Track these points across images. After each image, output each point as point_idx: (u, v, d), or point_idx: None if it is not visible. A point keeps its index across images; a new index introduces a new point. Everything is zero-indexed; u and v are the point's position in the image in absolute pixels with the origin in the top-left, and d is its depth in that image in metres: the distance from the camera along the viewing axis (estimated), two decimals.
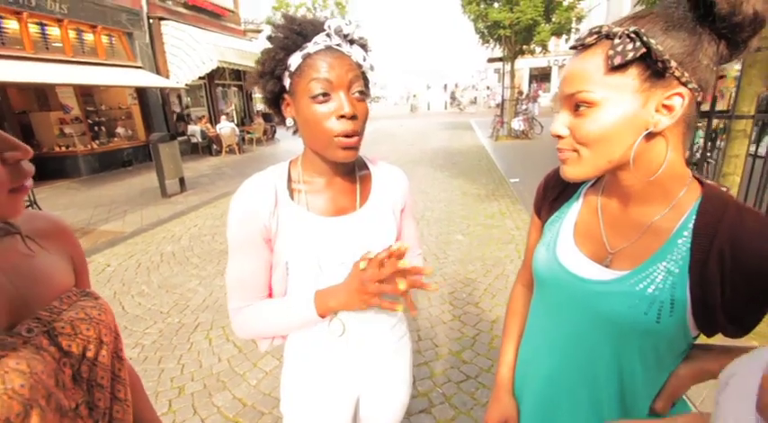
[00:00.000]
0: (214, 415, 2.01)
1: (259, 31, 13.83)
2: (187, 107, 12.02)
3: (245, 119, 14.47)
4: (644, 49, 0.51)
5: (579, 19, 11.25)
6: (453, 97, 34.97)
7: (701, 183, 0.61)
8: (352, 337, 0.87)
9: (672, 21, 0.53)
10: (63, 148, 8.62)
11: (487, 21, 10.30)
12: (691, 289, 0.55)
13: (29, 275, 0.53)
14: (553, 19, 10.65)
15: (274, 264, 0.83)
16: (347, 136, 0.72)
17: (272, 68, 0.74)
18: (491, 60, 18.59)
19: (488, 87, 36.67)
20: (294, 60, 0.72)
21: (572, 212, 0.72)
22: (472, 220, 4.73)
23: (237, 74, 13.72)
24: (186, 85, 10.47)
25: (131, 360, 2.45)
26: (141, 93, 10.09)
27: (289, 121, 0.78)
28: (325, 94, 0.71)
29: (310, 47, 0.71)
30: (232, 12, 13.50)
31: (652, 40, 0.51)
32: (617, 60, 0.52)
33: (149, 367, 2.39)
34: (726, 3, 0.50)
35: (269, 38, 0.75)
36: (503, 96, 13.08)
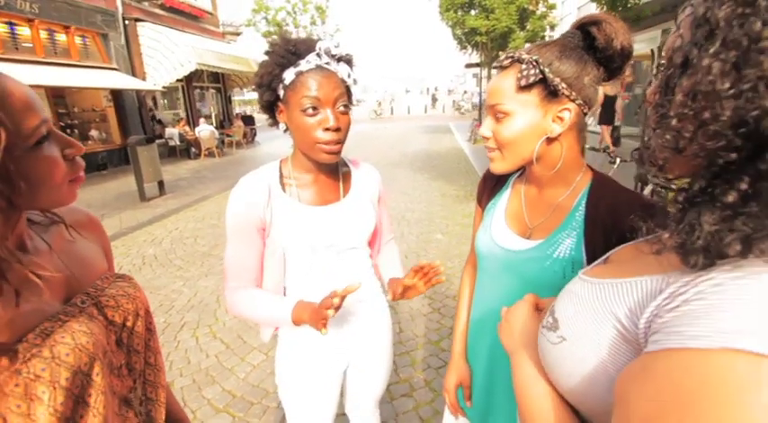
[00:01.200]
0: (204, 407, 2.09)
1: (238, 34, 13.75)
2: (164, 110, 11.83)
3: (224, 122, 14.33)
4: (540, 76, 0.69)
5: (552, 27, 11.75)
6: (435, 99, 35.52)
7: (592, 170, 0.81)
8: (339, 313, 1.01)
9: (566, 49, 0.72)
10: None
11: (464, 27, 10.64)
12: (585, 249, 0.73)
13: (75, 258, 0.64)
14: (527, 27, 11.09)
15: (270, 251, 0.96)
16: (331, 144, 0.87)
17: (268, 82, 0.87)
18: (468, 65, 19.10)
19: (465, 91, 37.40)
20: (288, 75, 0.85)
21: (503, 199, 0.90)
22: (451, 219, 4.92)
23: (216, 76, 13.59)
24: (163, 87, 10.33)
25: None
26: (117, 95, 9.88)
27: (281, 126, 0.92)
28: (314, 108, 0.84)
29: (303, 65, 0.84)
30: (210, 14, 13.39)
31: (547, 68, 0.69)
32: (522, 82, 0.70)
33: None
34: (602, 38, 0.70)
35: (267, 53, 0.89)
36: (480, 100, 13.43)
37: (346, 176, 1.04)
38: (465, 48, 11.82)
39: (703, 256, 0.35)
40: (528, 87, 0.70)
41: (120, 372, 0.62)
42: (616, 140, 8.24)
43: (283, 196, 0.94)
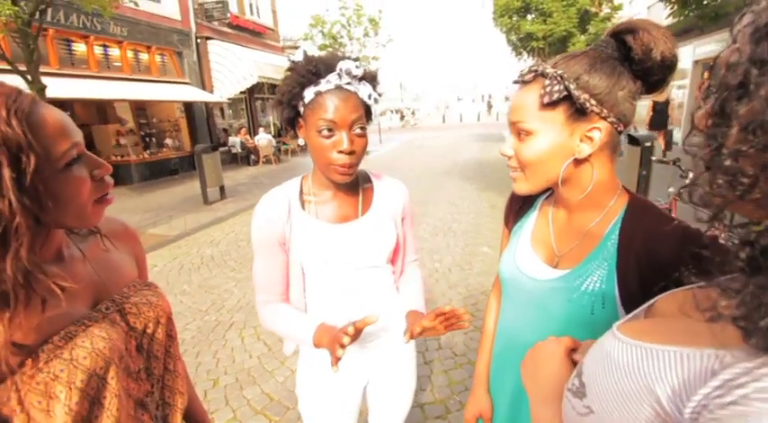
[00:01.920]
0: (244, 407, 2.16)
1: (296, 48, 14.46)
2: (229, 120, 12.75)
3: (281, 130, 15.12)
4: (565, 92, 0.61)
5: None
6: (490, 106, 34.80)
7: (628, 193, 0.71)
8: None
9: (597, 60, 0.63)
10: (118, 158, 9.39)
11: (520, 33, 10.30)
12: (618, 283, 0.64)
13: (107, 266, 0.68)
14: (589, 30, 10.47)
15: (291, 264, 0.97)
16: (344, 166, 0.85)
17: (288, 99, 0.88)
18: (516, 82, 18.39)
19: None
20: (308, 94, 0.85)
21: (530, 222, 0.82)
22: (500, 232, 4.67)
23: (275, 88, 14.39)
24: (228, 99, 11.15)
25: None
26: (188, 106, 10.84)
27: (301, 141, 0.93)
28: (329, 130, 0.84)
29: (322, 85, 0.84)
30: (272, 30, 14.27)
31: (574, 84, 0.62)
32: (545, 99, 0.63)
33: (188, 360, 2.60)
34: (640, 49, 0.61)
35: (289, 69, 0.89)
36: None
37: (367, 192, 1.01)
38: (520, 54, 11.43)
39: None
40: (552, 105, 0.63)
41: (138, 376, 0.65)
42: (667, 145, 7.73)
43: (302, 213, 0.94)
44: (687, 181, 3.51)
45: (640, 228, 0.65)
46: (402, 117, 31.42)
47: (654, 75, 0.64)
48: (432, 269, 3.77)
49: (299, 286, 0.98)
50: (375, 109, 0.93)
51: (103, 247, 0.68)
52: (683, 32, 8.90)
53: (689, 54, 9.41)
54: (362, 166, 1.07)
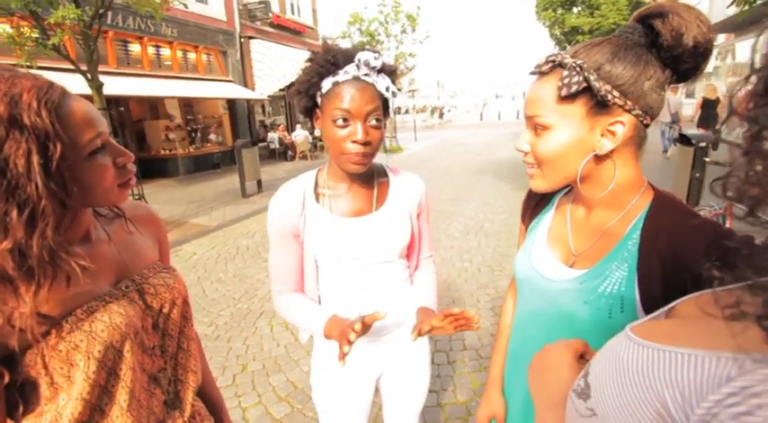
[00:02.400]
0: (269, 393, 2.23)
1: None
2: (270, 116, 13.19)
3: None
4: (585, 84, 0.57)
5: None
6: None
7: (653, 189, 0.65)
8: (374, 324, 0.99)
9: (621, 48, 0.58)
10: (167, 152, 9.99)
11: (564, 27, 9.84)
12: (639, 286, 0.59)
13: (130, 248, 0.72)
14: None
15: (305, 256, 0.98)
16: (358, 157, 0.85)
17: (306, 89, 0.88)
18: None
19: None
20: (326, 84, 0.85)
21: (547, 219, 0.78)
22: None
23: None
24: (268, 96, 11.52)
25: (206, 336, 2.82)
26: (231, 103, 11.32)
27: (317, 131, 0.93)
28: (344, 120, 0.83)
29: (340, 75, 0.84)
30: (312, 29, 14.57)
31: (594, 74, 0.57)
32: (564, 91, 0.58)
33: (220, 344, 2.72)
34: (669, 35, 0.55)
35: (309, 60, 0.89)
36: None
37: (383, 187, 1.00)
38: (564, 49, 10.93)
39: None
40: (571, 97, 0.59)
41: (152, 352, 0.68)
42: (714, 145, 7.21)
43: (316, 206, 0.95)
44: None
45: (665, 227, 0.59)
46: (441, 115, 31.19)
47: (685, 62, 0.58)
48: (461, 268, 3.70)
49: (313, 278, 0.99)
50: (392, 103, 0.91)
51: (128, 230, 0.73)
52: (749, 24, 8.14)
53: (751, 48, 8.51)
54: (393, 164, 1.06)
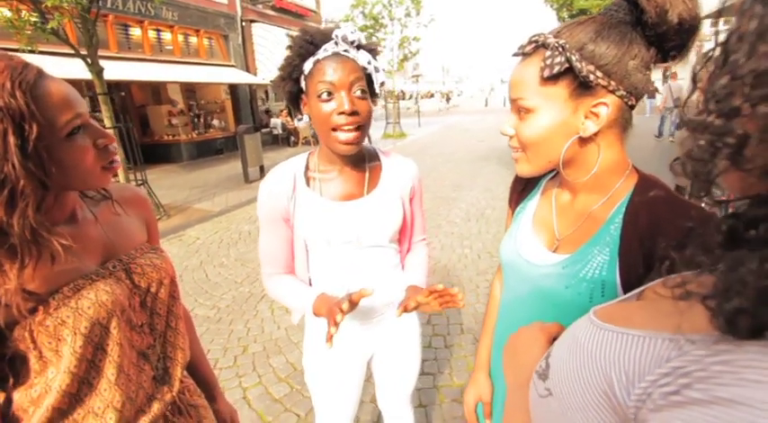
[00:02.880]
0: (269, 374, 2.29)
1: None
2: (273, 102, 13.10)
3: None
4: (567, 65, 0.55)
5: None
6: None
7: (638, 173, 0.64)
8: (361, 306, 0.99)
9: (605, 27, 0.57)
10: (170, 137, 10.00)
11: (572, 9, 9.58)
12: (620, 271, 0.59)
13: (116, 229, 0.73)
14: None
15: (295, 239, 0.98)
16: (347, 130, 0.83)
17: (289, 73, 0.87)
18: None
19: None
20: (307, 66, 0.85)
21: (532, 204, 0.77)
22: None
23: None
24: (271, 81, 11.40)
25: (209, 319, 2.87)
26: (233, 89, 11.24)
27: (306, 118, 0.92)
28: (329, 93, 0.82)
29: (320, 53, 0.83)
30: (314, 12, 14.30)
31: (577, 54, 0.55)
32: (546, 73, 0.57)
33: (222, 327, 2.78)
34: (653, 11, 0.53)
35: (288, 47, 0.89)
36: None
37: (375, 170, 0.99)
38: None
39: (742, 321, 0.24)
40: (553, 79, 0.57)
41: (141, 329, 0.70)
42: None
43: (306, 190, 0.94)
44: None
45: (646, 210, 0.59)
46: (448, 99, 31.13)
47: (670, 40, 0.56)
48: (461, 254, 3.72)
49: (303, 262, 0.99)
50: (376, 78, 0.90)
51: (115, 211, 0.73)
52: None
53: None
54: (395, 150, 1.05)
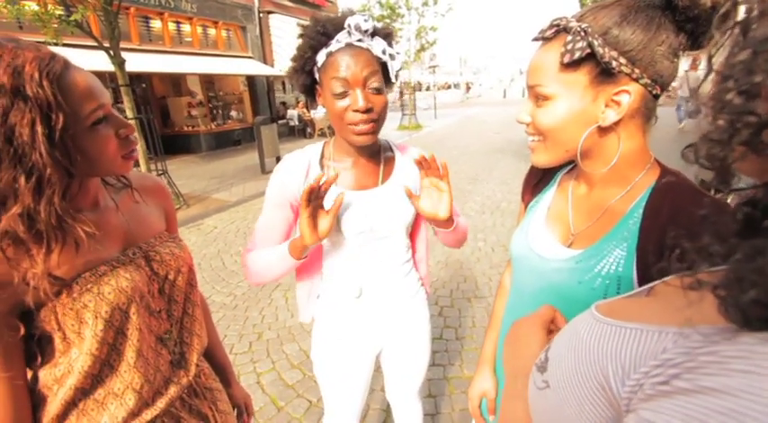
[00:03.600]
0: (282, 360, 2.34)
1: None
2: (290, 93, 13.17)
3: None
4: (588, 50, 0.53)
5: None
6: None
7: (660, 166, 0.61)
8: (368, 297, 1.01)
9: (632, 10, 0.54)
10: (189, 128, 10.19)
11: None
12: (637, 267, 0.57)
13: (137, 217, 0.75)
14: None
15: None
16: (362, 125, 0.83)
17: (302, 65, 0.86)
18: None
19: None
20: (320, 57, 0.84)
21: (547, 197, 0.75)
22: None
23: None
24: (286, 72, 11.45)
25: (225, 306, 2.95)
26: (251, 80, 11.34)
27: (322, 109, 0.92)
28: (343, 89, 0.81)
29: (333, 45, 0.82)
30: (331, 2, 14.23)
31: (599, 39, 0.53)
32: (566, 58, 0.54)
33: (238, 314, 2.85)
34: None
35: (300, 36, 0.87)
36: None
37: (389, 162, 0.99)
38: None
39: (756, 312, 0.23)
40: (574, 65, 0.55)
41: (159, 315, 0.73)
42: None
43: None
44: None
45: (668, 205, 0.56)
46: (468, 89, 31.18)
47: (702, 25, 0.53)
48: (474, 247, 3.70)
49: (318, 252, 1.00)
50: (392, 66, 0.88)
51: (135, 199, 0.76)
52: None
53: None
54: (411, 142, 1.04)
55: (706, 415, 0.21)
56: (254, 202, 5.68)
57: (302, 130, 12.14)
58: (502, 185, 5.75)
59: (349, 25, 0.81)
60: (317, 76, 0.87)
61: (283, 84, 12.78)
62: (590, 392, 0.31)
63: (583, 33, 0.54)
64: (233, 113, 11.33)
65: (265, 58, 11.45)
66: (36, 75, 0.52)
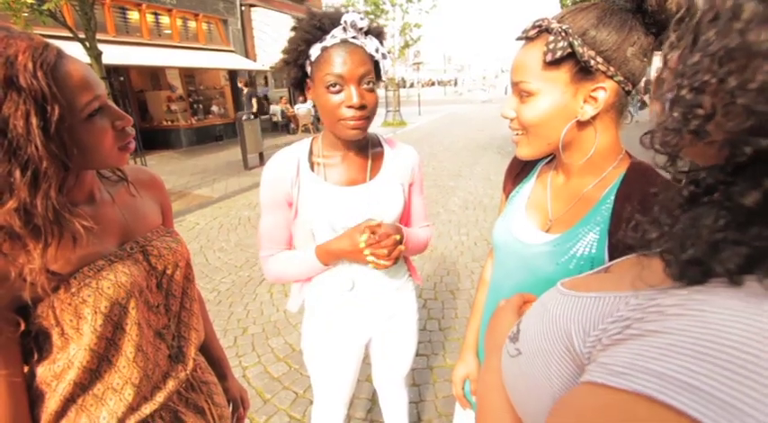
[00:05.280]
0: (268, 354, 2.36)
1: None
2: (273, 88, 12.98)
3: None
4: (569, 50, 0.58)
5: None
6: None
7: (630, 158, 0.68)
8: (360, 290, 1.04)
9: (606, 13, 0.59)
10: (169, 123, 9.93)
11: None
12: (609, 249, 0.63)
13: (133, 211, 0.75)
14: None
15: (299, 225, 0.99)
16: (354, 121, 0.85)
17: (295, 58, 0.86)
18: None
19: None
20: (314, 51, 0.84)
21: (527, 187, 0.81)
22: None
23: None
24: (270, 67, 11.29)
25: (209, 301, 2.93)
26: (232, 74, 11.11)
27: (309, 103, 0.94)
28: (337, 85, 0.82)
29: (328, 40, 0.82)
30: None
31: (579, 39, 0.58)
32: (548, 57, 0.59)
33: (222, 309, 2.84)
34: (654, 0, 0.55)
35: (293, 29, 0.87)
36: None
37: (378, 157, 1.01)
38: None
39: (693, 270, 0.28)
40: (556, 63, 0.60)
41: (157, 310, 0.74)
42: None
43: (310, 174, 0.95)
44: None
45: (637, 192, 0.63)
46: (455, 84, 32.21)
47: (667, 28, 0.58)
48: (458, 242, 3.77)
49: (307, 247, 1.00)
50: (383, 65, 0.90)
51: (131, 193, 0.75)
52: None
53: None
54: (395, 138, 1.07)
55: (648, 351, 0.26)
56: (237, 199, 5.62)
57: (285, 126, 12.01)
58: (484, 181, 5.85)
59: (345, 22, 0.81)
60: (308, 69, 0.88)
61: (265, 78, 12.60)
62: (557, 353, 0.36)
63: (564, 34, 0.59)
64: (214, 108, 11.10)
65: (247, 52, 11.25)
66: (30, 65, 0.50)
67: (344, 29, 0.83)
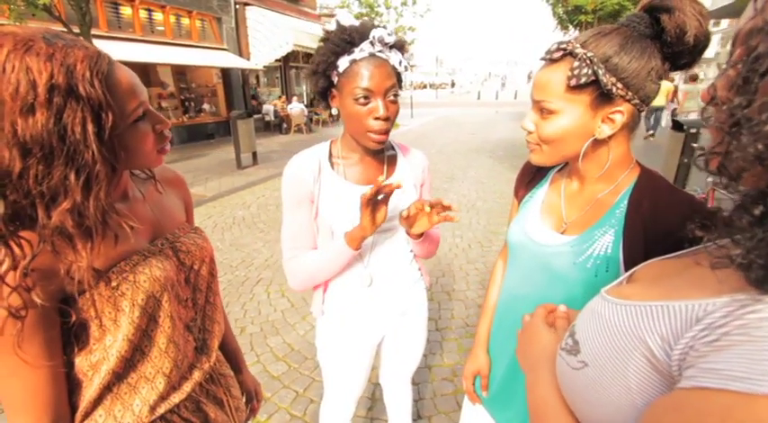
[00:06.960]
0: (267, 353, 2.38)
1: (332, 16, 14.31)
2: (264, 87, 12.91)
3: (314, 100, 15.15)
4: (593, 77, 0.63)
5: None
6: (530, 79, 34.04)
7: (640, 166, 0.74)
8: (378, 286, 1.09)
9: (628, 40, 0.64)
10: None
11: (567, 5, 9.67)
12: (623, 249, 0.69)
13: (161, 208, 0.79)
14: None
15: (319, 224, 1.03)
16: (379, 132, 0.90)
17: (323, 69, 0.91)
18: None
19: None
20: (342, 63, 0.88)
21: (541, 192, 0.87)
22: None
23: (309, 56, 14.31)
24: (264, 66, 11.24)
25: None
26: (225, 73, 11.03)
27: (334, 111, 0.98)
28: (366, 98, 0.88)
29: (356, 53, 0.87)
30: None
31: (602, 67, 0.63)
32: (573, 82, 0.64)
33: None
34: (673, 31, 0.61)
35: (323, 40, 0.92)
36: None
37: (392, 160, 1.07)
38: (566, 28, 10.77)
39: None
40: (579, 88, 0.64)
41: (186, 303, 0.77)
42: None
43: (331, 173, 1.00)
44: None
45: (649, 196, 0.69)
46: (452, 85, 33.15)
47: (683, 58, 0.64)
48: (452, 244, 3.84)
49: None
50: (404, 76, 0.96)
51: (159, 190, 0.79)
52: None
53: None
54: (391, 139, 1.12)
55: (763, 354, 0.28)
56: (231, 198, 5.60)
57: (278, 126, 11.96)
58: (477, 185, 5.94)
59: (374, 37, 0.86)
60: (335, 79, 0.92)
61: (257, 77, 12.53)
62: (634, 362, 0.38)
63: (588, 61, 0.63)
64: (206, 106, 11.00)
65: (241, 50, 11.17)
66: (87, 74, 0.53)
67: (372, 43, 0.87)
